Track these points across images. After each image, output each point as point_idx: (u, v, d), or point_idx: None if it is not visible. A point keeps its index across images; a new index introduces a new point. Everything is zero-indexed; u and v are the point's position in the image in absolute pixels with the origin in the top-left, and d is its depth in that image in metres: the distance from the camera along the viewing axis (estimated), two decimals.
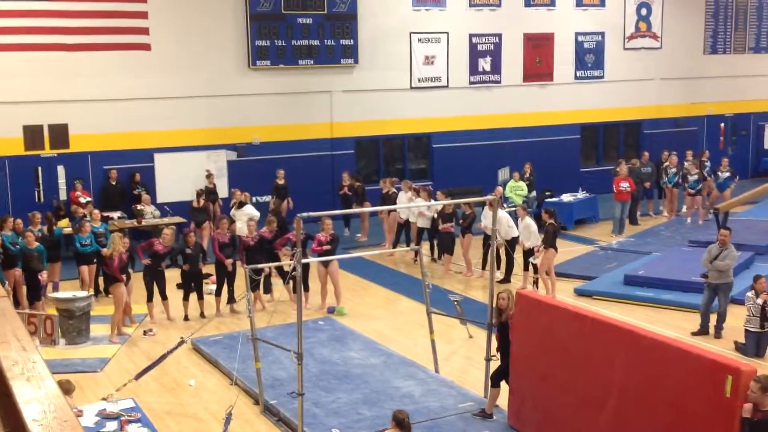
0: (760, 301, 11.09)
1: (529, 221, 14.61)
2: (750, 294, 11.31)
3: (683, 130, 24.84)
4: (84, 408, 8.98)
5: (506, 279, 15.04)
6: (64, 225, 16.17)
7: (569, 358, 8.25)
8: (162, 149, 19.04)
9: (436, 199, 16.61)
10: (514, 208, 17.99)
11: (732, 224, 15.61)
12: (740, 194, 18.77)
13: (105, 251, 13.34)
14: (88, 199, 17.32)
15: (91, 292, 13.59)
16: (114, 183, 18.32)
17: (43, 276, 13.15)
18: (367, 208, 17.02)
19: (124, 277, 12.58)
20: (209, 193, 18.73)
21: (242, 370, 10.47)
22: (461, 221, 15.81)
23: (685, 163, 20.44)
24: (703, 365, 6.82)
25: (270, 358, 10.94)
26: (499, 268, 14.91)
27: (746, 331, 11.34)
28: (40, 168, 18.14)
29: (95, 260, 14.08)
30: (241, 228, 15.05)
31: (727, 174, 20.45)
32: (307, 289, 13.77)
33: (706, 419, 6.72)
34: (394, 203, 17.27)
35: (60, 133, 18.14)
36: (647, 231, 19.26)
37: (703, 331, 12.16)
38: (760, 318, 11.13)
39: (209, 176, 18.96)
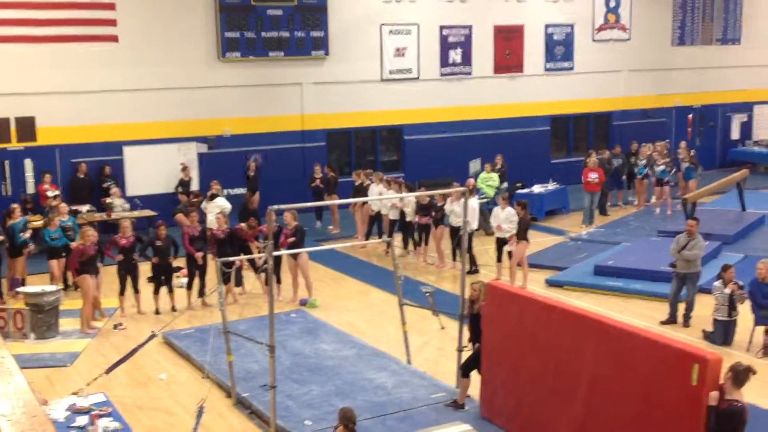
0: (727, 290, 11.23)
1: (511, 211, 14.53)
2: (717, 284, 11.44)
3: (652, 122, 25.07)
4: (54, 402, 8.91)
5: (474, 270, 15.03)
6: (36, 220, 15.97)
7: (539, 348, 8.32)
8: (131, 142, 18.89)
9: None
10: (485, 200, 18.09)
11: (700, 214, 15.79)
12: (708, 185, 18.98)
13: (73, 245, 13.24)
14: (56, 192, 17.15)
15: (61, 286, 13.48)
16: (82, 176, 18.15)
17: None
18: (339, 201, 17.00)
19: (82, 272, 12.40)
20: (184, 185, 18.73)
21: (214, 363, 10.44)
22: (433, 213, 15.84)
23: (654, 153, 20.64)
24: (671, 354, 6.90)
25: (242, 351, 10.92)
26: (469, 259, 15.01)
27: (714, 320, 11.48)
28: (6, 162, 17.93)
29: (64, 254, 13.94)
30: (212, 221, 14.98)
31: (687, 164, 20.74)
32: (279, 281, 13.77)
33: (674, 407, 6.81)
34: (367, 195, 17.27)
35: (27, 126, 17.94)
36: (617, 221, 19.43)
37: (671, 320, 12.30)
38: (728, 307, 11.28)
39: (185, 169, 18.90)
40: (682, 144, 22.02)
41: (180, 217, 15.94)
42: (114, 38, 18.51)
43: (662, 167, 19.96)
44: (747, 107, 27.04)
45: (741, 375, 6.69)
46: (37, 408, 2.63)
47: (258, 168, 19.02)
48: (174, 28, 19.11)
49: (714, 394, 6.60)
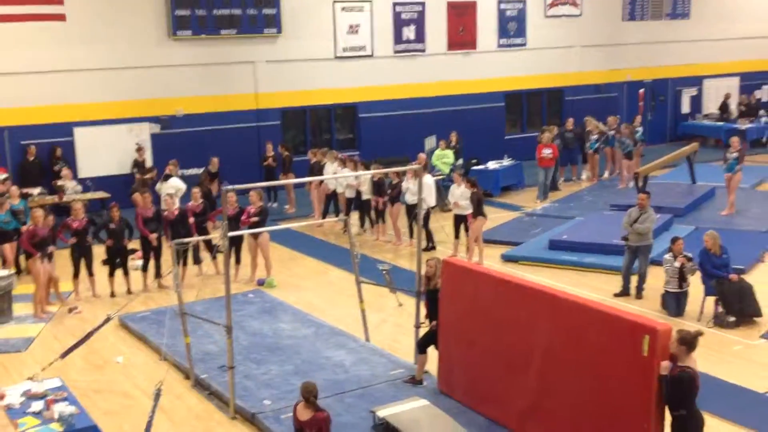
0: (677, 264, 11.45)
1: (465, 189, 14.60)
2: (668, 256, 11.65)
3: (604, 96, 25.34)
4: (9, 389, 8.81)
5: (430, 246, 15.12)
6: None
7: (494, 323, 8.42)
8: (82, 123, 18.61)
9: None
10: (441, 176, 18.16)
11: (651, 187, 16.07)
12: (659, 158, 19.27)
13: (24, 228, 13.05)
14: (5, 175, 16.84)
15: (13, 270, 13.28)
16: (32, 159, 17.85)
17: None
18: (294, 180, 16.95)
19: (37, 252, 12.23)
20: (139, 166, 18.52)
21: (171, 345, 10.41)
22: (389, 191, 15.87)
23: (621, 127, 20.77)
24: (621, 326, 7.03)
25: (199, 332, 10.86)
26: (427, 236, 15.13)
27: (666, 292, 11.69)
28: None
29: (15, 238, 13.73)
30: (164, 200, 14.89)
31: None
32: (238, 261, 13.75)
33: (626, 378, 6.94)
34: (322, 174, 17.23)
35: None
36: (570, 196, 19.65)
37: (624, 292, 12.51)
38: (678, 279, 11.51)
39: (139, 149, 18.67)
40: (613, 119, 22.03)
41: (137, 197, 15.77)
42: (62, 17, 18.17)
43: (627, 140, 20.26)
44: (697, 81, 27.43)
45: (689, 340, 6.80)
46: None
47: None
48: (123, 5, 18.80)
49: (665, 364, 6.73)
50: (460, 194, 14.59)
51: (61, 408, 8.20)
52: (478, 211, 14.25)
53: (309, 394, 6.86)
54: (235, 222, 12.87)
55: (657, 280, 12.28)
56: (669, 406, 6.82)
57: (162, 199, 15.52)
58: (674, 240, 11.65)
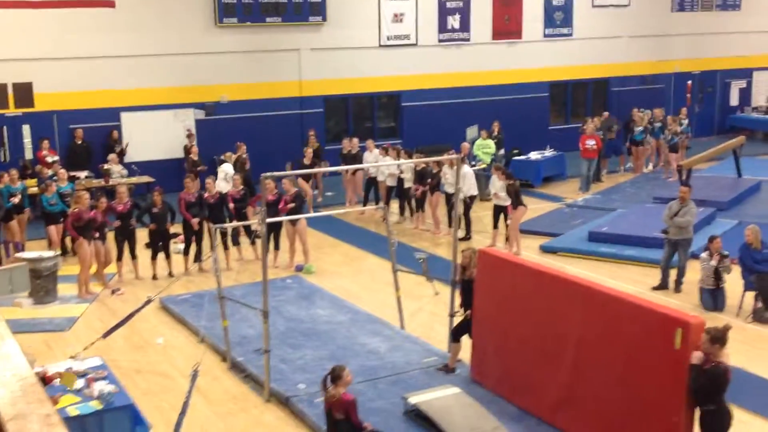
0: (713, 263, 11.33)
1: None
2: (704, 255, 11.52)
3: (650, 88, 25.02)
4: (51, 367, 9.04)
5: (467, 236, 15.14)
6: (31, 185, 16.10)
7: (528, 314, 8.43)
8: (128, 108, 18.92)
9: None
10: (482, 166, 18.13)
11: (695, 181, 15.88)
12: (705, 151, 19.01)
13: (70, 211, 13.34)
14: (56, 158, 17.22)
15: (58, 251, 13.59)
16: (80, 142, 18.21)
17: None
18: (336, 168, 17.02)
19: (81, 235, 12.51)
20: (187, 152, 18.78)
21: (210, 327, 10.58)
22: (429, 180, 15.90)
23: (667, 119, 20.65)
24: (654, 319, 7.01)
25: (237, 316, 11.02)
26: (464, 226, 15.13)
27: (701, 288, 11.58)
28: (5, 127, 17.98)
29: (62, 220, 14.04)
30: (222, 186, 15.17)
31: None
32: (277, 247, 13.90)
33: (658, 371, 6.93)
34: (358, 162, 17.29)
35: (25, 92, 17.97)
36: (613, 188, 19.49)
37: (663, 285, 12.39)
38: (713, 277, 11.39)
39: (189, 135, 18.94)
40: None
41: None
42: (111, 4, 18.48)
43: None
44: (746, 73, 26.96)
45: (719, 337, 6.75)
46: (28, 371, 2.73)
47: None
48: None
49: (698, 354, 6.69)
50: (501, 186, 14.57)
51: (101, 386, 8.39)
52: (517, 202, 14.23)
53: (331, 373, 7.04)
54: (274, 208, 13.03)
55: (696, 273, 12.14)
56: (698, 401, 6.78)
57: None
58: (711, 239, 11.53)
